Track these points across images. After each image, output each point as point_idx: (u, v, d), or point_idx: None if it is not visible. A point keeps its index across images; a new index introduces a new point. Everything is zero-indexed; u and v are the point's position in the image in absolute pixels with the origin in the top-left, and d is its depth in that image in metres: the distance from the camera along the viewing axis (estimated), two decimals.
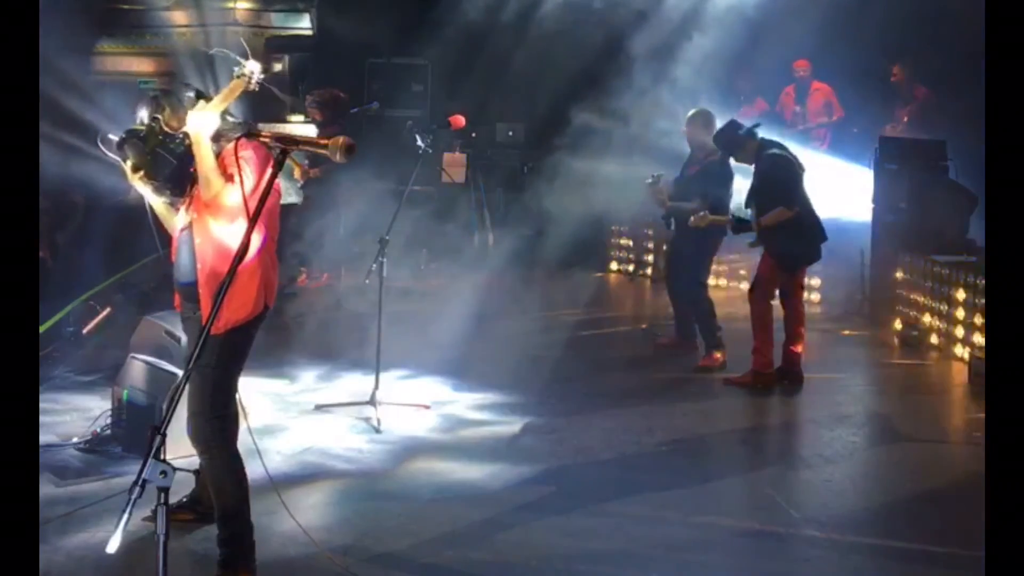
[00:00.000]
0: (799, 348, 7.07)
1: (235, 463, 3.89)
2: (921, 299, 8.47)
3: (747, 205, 7.07)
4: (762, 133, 7.09)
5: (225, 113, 3.89)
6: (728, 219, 7.17)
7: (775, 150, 6.97)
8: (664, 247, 11.82)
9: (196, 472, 3.99)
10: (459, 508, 4.73)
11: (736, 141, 7.05)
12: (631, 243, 12.11)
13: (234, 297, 3.72)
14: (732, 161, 7.39)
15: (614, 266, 12.19)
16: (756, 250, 7.35)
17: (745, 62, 11.32)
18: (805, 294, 10.10)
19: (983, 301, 7.33)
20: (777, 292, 7.19)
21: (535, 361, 7.43)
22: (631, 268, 12.03)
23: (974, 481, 4.91)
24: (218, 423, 3.83)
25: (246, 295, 3.82)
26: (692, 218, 7.23)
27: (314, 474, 5.15)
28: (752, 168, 7.08)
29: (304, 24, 12.76)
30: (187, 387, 3.12)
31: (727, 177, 7.58)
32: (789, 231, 6.84)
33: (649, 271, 11.82)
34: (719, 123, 7.43)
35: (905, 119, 10.98)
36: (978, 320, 7.47)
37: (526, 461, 5.43)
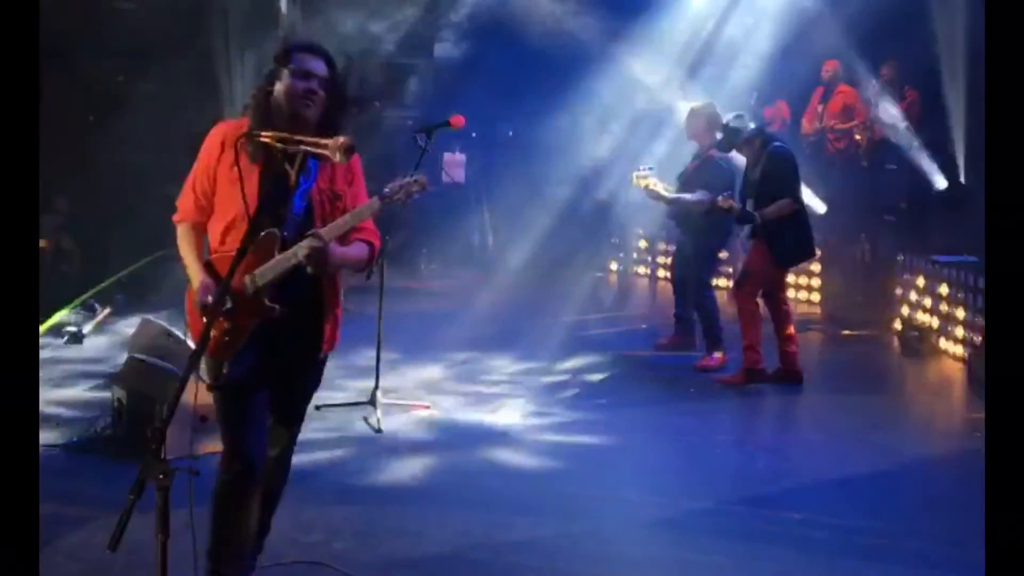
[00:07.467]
0: (793, 348, 7.06)
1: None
2: (921, 299, 8.47)
3: (744, 197, 7.04)
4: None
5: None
6: (738, 208, 7.02)
7: (780, 143, 7.04)
8: (639, 243, 11.91)
9: (196, 473, 3.97)
10: (459, 508, 4.73)
11: (742, 133, 7.04)
12: (631, 242, 12.12)
13: (335, 316, 3.68)
14: (733, 155, 7.36)
15: (614, 266, 12.20)
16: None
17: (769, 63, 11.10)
18: (806, 294, 10.17)
19: (983, 301, 7.34)
20: (761, 292, 7.16)
21: (535, 361, 7.43)
22: (640, 269, 12.05)
23: (974, 481, 4.91)
24: None
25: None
26: (719, 199, 6.93)
27: (314, 474, 5.15)
28: (749, 164, 7.08)
29: None
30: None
31: (729, 171, 7.53)
32: (792, 224, 6.87)
33: (643, 270, 11.85)
34: (720, 116, 7.39)
35: None
36: (978, 320, 7.47)
37: (526, 461, 5.43)
